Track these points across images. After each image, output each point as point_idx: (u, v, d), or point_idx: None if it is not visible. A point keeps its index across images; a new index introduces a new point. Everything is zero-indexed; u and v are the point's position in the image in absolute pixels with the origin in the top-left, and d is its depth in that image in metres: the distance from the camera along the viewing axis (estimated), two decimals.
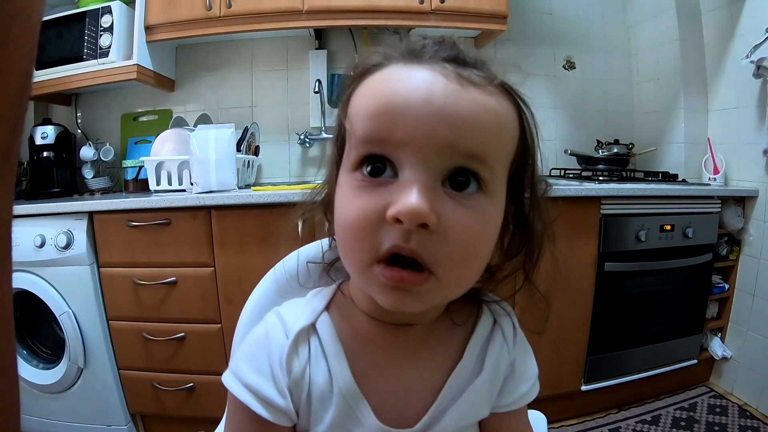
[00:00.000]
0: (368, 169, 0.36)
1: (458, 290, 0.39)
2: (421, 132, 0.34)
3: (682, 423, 1.61)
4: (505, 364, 0.46)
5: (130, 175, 1.82)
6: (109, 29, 1.70)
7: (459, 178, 0.36)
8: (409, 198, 0.33)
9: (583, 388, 1.65)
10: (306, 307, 0.44)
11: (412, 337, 0.43)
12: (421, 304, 0.37)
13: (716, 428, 1.57)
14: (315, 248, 0.56)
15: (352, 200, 0.36)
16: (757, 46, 1.62)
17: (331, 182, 0.43)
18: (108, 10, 1.70)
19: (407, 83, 0.35)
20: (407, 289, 0.35)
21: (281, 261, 0.59)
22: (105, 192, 1.88)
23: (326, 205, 0.45)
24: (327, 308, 0.44)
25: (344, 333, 0.43)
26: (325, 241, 0.51)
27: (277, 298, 0.54)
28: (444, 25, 1.75)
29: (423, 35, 0.40)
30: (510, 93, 0.39)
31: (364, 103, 0.37)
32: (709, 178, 1.88)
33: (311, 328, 0.42)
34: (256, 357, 0.41)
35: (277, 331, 0.42)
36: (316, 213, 0.47)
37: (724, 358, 1.83)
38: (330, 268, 0.50)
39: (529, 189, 0.43)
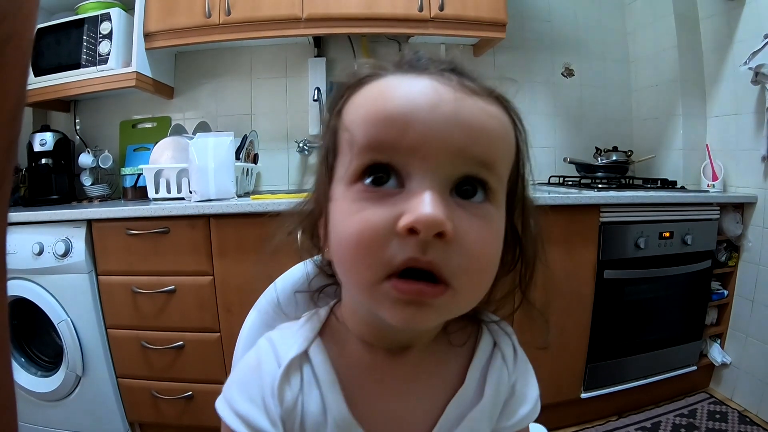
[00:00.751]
0: (370, 179, 0.34)
1: (471, 302, 0.38)
2: (432, 136, 0.33)
3: (682, 430, 1.60)
4: (506, 387, 0.45)
5: (128, 183, 1.81)
6: (108, 36, 1.70)
7: (465, 187, 0.35)
8: (424, 206, 0.31)
9: (583, 395, 1.65)
10: (298, 334, 0.43)
11: (408, 362, 0.42)
12: (436, 317, 0.35)
13: None
14: (295, 275, 0.53)
15: (353, 214, 0.34)
16: (755, 53, 1.62)
17: (320, 200, 0.41)
18: (107, 17, 1.70)
19: (413, 89, 0.34)
20: (423, 303, 0.33)
21: (262, 294, 0.55)
22: (103, 199, 1.88)
23: (313, 226, 0.43)
24: (320, 333, 0.43)
25: (338, 360, 0.41)
26: (310, 265, 0.48)
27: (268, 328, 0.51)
28: (443, 32, 1.76)
29: (416, 50, 0.40)
30: (505, 106, 0.38)
31: (364, 110, 0.36)
32: (708, 185, 1.89)
33: (304, 356, 0.41)
34: (248, 385, 0.40)
35: (269, 359, 0.41)
36: (304, 237, 0.45)
37: (724, 365, 1.83)
38: (318, 296, 0.48)
39: (520, 202, 0.42)
